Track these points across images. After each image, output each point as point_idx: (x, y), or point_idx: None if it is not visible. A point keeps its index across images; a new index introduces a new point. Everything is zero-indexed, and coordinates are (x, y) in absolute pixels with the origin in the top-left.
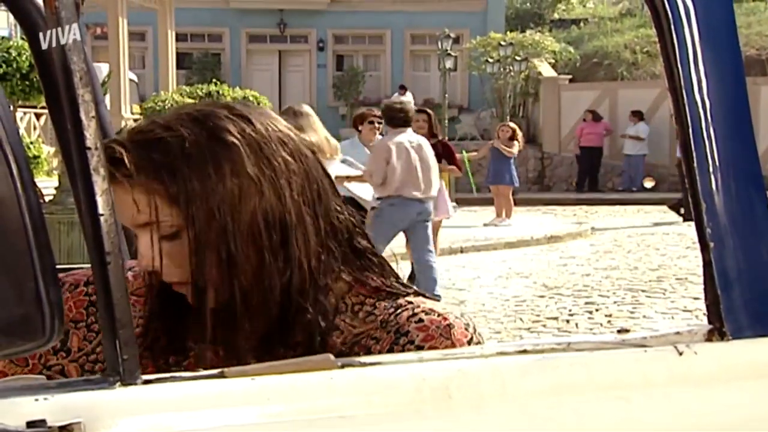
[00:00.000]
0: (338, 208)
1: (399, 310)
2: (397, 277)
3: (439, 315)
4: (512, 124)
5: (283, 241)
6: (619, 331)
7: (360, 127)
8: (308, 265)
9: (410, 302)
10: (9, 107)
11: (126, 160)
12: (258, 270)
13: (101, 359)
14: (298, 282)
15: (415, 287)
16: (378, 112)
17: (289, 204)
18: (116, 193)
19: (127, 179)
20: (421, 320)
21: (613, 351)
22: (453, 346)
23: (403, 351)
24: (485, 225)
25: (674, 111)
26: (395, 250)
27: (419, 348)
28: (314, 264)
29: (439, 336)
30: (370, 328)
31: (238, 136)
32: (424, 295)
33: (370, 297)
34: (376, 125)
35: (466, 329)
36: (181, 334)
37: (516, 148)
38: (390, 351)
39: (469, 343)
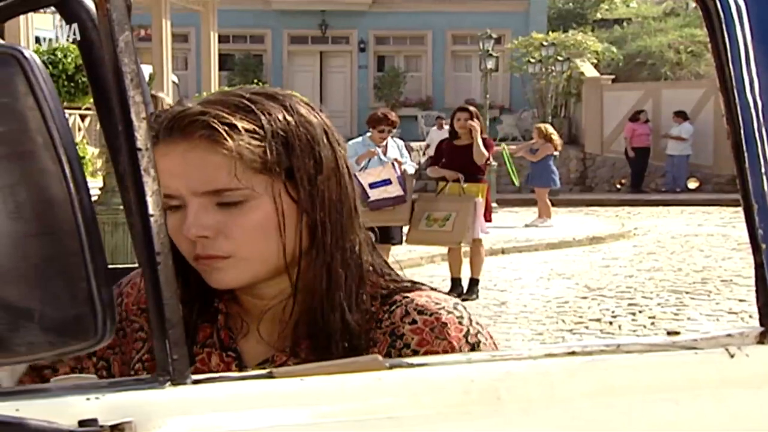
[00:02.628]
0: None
1: (393, 307)
2: (395, 274)
3: (431, 314)
4: (542, 125)
5: (340, 229)
6: (668, 333)
7: (371, 129)
8: (362, 258)
9: (405, 297)
10: (62, 109)
11: (226, 122)
12: (319, 253)
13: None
14: (357, 274)
15: (410, 279)
16: (394, 118)
17: (350, 191)
18: (191, 152)
19: (220, 138)
20: (414, 321)
21: (663, 353)
22: (450, 344)
23: (400, 355)
24: (526, 226)
25: (725, 111)
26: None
27: (415, 352)
28: (366, 257)
29: (434, 339)
30: (367, 328)
31: (315, 117)
32: (421, 288)
33: (368, 296)
34: (386, 133)
35: (460, 323)
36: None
37: (546, 150)
38: (388, 355)
39: (466, 336)
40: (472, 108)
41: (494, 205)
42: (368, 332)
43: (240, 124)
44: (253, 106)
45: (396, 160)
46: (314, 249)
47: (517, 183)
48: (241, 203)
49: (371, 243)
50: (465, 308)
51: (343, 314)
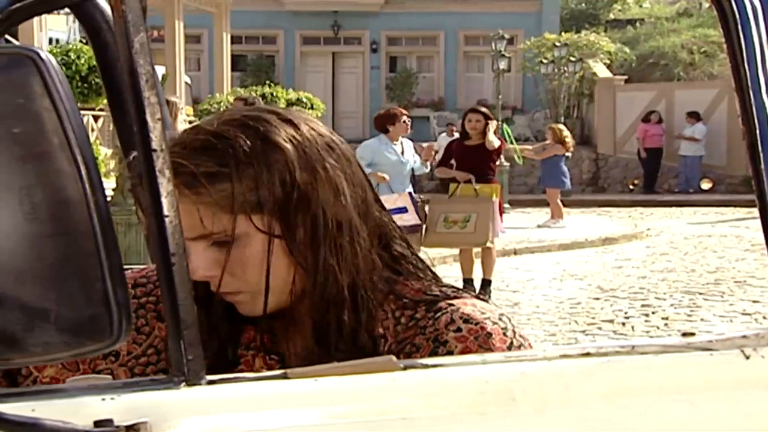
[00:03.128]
0: (378, 214)
1: (438, 314)
2: (438, 280)
3: (477, 323)
4: (556, 126)
5: (336, 246)
6: (683, 334)
7: (390, 127)
8: (357, 271)
9: (450, 305)
10: (78, 110)
11: (187, 170)
12: (316, 273)
13: (152, 361)
14: (350, 287)
15: (457, 287)
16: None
17: (338, 208)
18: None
19: (188, 189)
20: (459, 329)
21: (678, 354)
22: None
23: None
24: (539, 226)
25: (741, 112)
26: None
27: None
28: (363, 269)
29: (478, 348)
30: (411, 334)
31: (288, 141)
32: (464, 296)
33: (411, 302)
34: (407, 122)
35: (504, 334)
36: (232, 349)
37: (554, 150)
38: None
39: (509, 348)
40: (483, 109)
41: (506, 206)
42: (412, 338)
43: (205, 169)
44: (218, 143)
45: (430, 146)
46: (311, 271)
47: (521, 162)
48: (234, 241)
49: (412, 248)
50: (510, 320)
51: (338, 325)
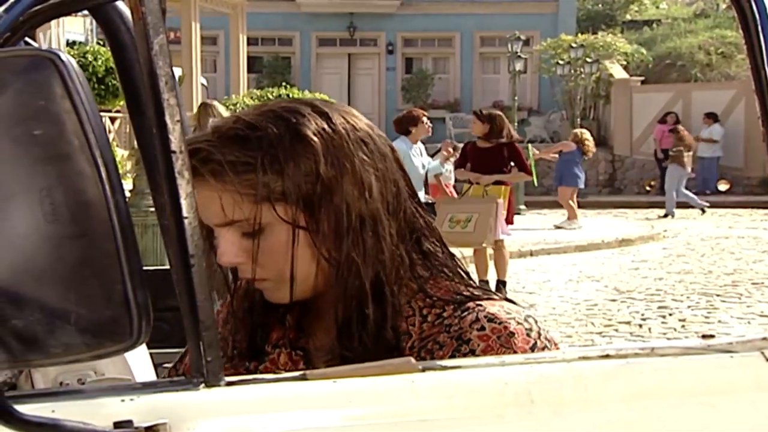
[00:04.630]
0: (412, 210)
1: (464, 313)
2: (469, 278)
3: (501, 323)
4: (579, 130)
5: (360, 240)
6: (703, 337)
7: (413, 129)
8: (382, 266)
9: (478, 304)
10: (98, 112)
11: (215, 159)
12: (339, 266)
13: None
14: (374, 281)
15: (486, 289)
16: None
17: (363, 203)
18: (200, 191)
19: (214, 177)
20: (483, 328)
21: (698, 356)
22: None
23: None
24: (556, 227)
25: (760, 113)
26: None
27: None
28: (389, 265)
29: (500, 348)
30: (435, 332)
31: (317, 134)
32: (494, 297)
33: (439, 300)
34: (430, 124)
35: (528, 335)
36: (261, 338)
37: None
38: (452, 358)
39: (532, 349)
40: (483, 111)
41: (522, 207)
42: (436, 335)
43: (232, 159)
44: (249, 133)
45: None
46: (334, 263)
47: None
48: (260, 230)
49: (446, 247)
50: (536, 321)
51: (362, 322)
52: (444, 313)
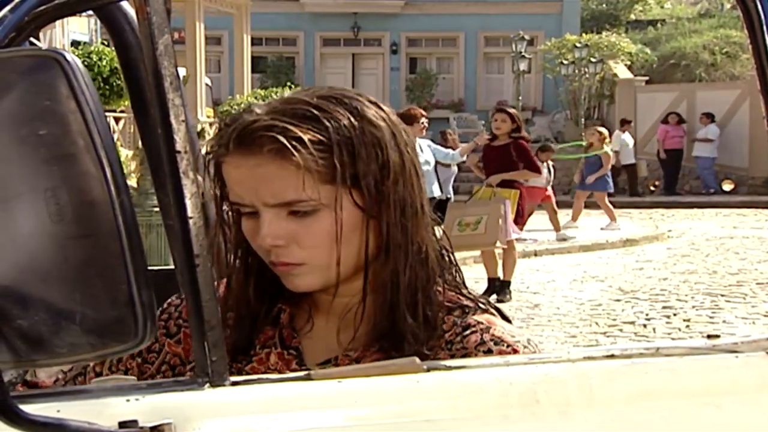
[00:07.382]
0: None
1: (467, 332)
2: (462, 283)
3: (508, 346)
4: (598, 128)
5: (421, 226)
6: (708, 337)
7: (408, 127)
8: (428, 259)
9: (480, 322)
10: (103, 112)
11: (292, 135)
12: (406, 253)
13: (167, 377)
14: (424, 276)
15: (487, 300)
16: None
17: (416, 191)
18: (262, 167)
19: (290, 153)
20: (490, 351)
21: (704, 357)
22: None
23: None
24: (602, 229)
25: (765, 112)
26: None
27: None
28: (433, 258)
29: None
30: (436, 344)
31: (382, 120)
32: (493, 311)
33: (440, 308)
34: (425, 124)
35: None
36: (250, 336)
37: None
38: None
39: None
40: (511, 110)
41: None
42: (433, 349)
43: (307, 137)
44: (319, 115)
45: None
46: (383, 253)
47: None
48: (311, 212)
49: (448, 254)
50: (537, 345)
51: (412, 316)
52: (444, 325)
